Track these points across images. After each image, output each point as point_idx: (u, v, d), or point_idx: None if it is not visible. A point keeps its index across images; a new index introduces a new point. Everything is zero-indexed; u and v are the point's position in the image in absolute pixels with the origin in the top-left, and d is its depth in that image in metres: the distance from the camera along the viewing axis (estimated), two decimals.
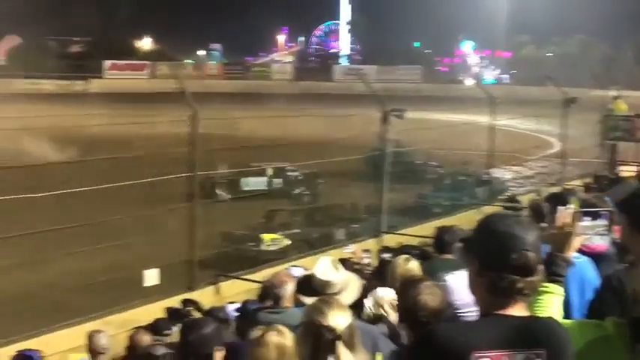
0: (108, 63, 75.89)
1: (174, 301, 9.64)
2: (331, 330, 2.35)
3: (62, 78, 69.72)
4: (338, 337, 2.36)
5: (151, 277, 10.62)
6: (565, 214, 2.67)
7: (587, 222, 2.69)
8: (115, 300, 10.62)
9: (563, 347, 2.30)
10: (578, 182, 17.20)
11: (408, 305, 3.73)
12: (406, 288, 3.84)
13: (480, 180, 21.04)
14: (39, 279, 11.19)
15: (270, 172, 19.16)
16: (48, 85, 66.20)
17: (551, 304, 2.55)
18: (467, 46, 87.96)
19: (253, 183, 17.87)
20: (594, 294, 3.34)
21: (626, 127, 21.92)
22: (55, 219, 11.55)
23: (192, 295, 10.21)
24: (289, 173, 20.46)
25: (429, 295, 3.73)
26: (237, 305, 7.47)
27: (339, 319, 2.39)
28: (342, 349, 2.36)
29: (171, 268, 11.47)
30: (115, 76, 74.23)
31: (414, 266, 5.18)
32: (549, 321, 2.43)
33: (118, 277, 11.36)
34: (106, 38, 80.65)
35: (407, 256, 5.52)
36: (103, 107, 35.59)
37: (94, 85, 69.32)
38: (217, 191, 18.56)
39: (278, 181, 19.54)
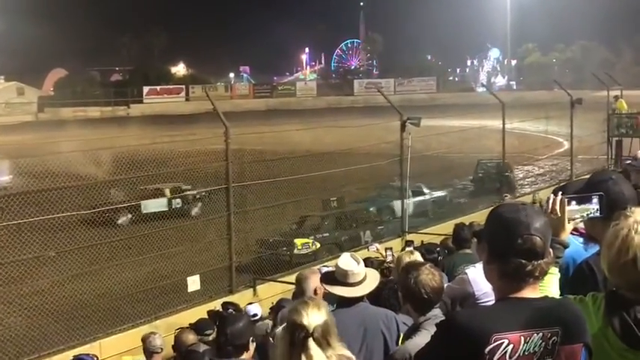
0: (146, 89, 76.58)
1: (216, 304, 9.70)
2: (303, 328, 2.36)
3: (106, 104, 70.63)
4: (309, 335, 2.36)
5: (194, 282, 10.67)
6: (554, 200, 2.70)
7: (573, 206, 2.71)
8: (162, 305, 10.70)
9: (577, 324, 2.28)
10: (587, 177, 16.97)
11: (409, 285, 3.75)
12: (407, 271, 3.87)
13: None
14: (92, 289, 11.27)
15: (167, 192, 18.33)
16: (93, 111, 67.02)
17: (550, 283, 2.54)
18: (494, 53, 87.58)
19: (153, 205, 17.01)
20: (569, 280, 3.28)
21: (629, 124, 21.77)
22: (104, 233, 11.67)
23: (232, 298, 10.27)
24: (187, 193, 19.18)
25: (428, 275, 3.76)
26: (256, 305, 7.94)
27: (313, 317, 2.39)
28: (312, 345, 2.36)
29: (213, 274, 11.53)
30: (153, 101, 74.87)
31: (417, 257, 5.22)
32: (563, 301, 2.42)
33: (164, 284, 11.43)
34: (144, 66, 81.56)
35: (411, 249, 5.57)
36: (143, 129, 36.00)
37: (135, 110, 70.05)
38: (120, 219, 17.05)
39: (177, 201, 18.79)
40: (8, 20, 66.00)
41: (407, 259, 5.04)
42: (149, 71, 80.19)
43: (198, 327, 7.04)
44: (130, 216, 17.06)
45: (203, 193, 17.83)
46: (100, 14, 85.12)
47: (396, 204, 18.45)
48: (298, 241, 15.68)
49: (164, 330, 9.01)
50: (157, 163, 14.33)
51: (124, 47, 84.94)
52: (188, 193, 18.79)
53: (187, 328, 7.12)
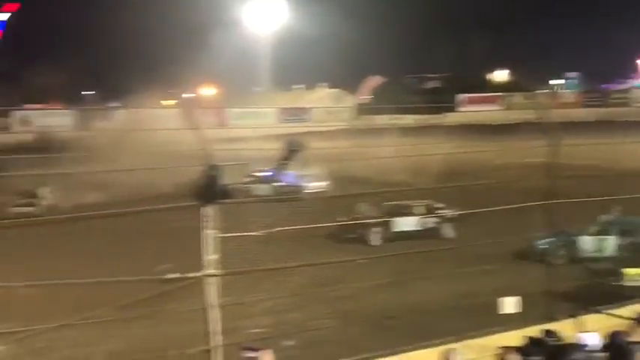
0: (461, 97, 77.39)
1: (533, 331, 9.27)
2: None
3: (419, 112, 72.81)
4: None
5: (510, 304, 10.37)
6: None
7: None
8: (471, 324, 10.54)
9: None
10: None
11: None
12: None
13: None
14: (400, 299, 11.55)
15: (421, 210, 17.60)
16: (407, 119, 69.49)
17: None
18: None
19: (404, 224, 15.97)
20: None
21: None
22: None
23: (552, 326, 9.76)
24: (440, 212, 18.57)
25: None
26: (589, 335, 7.45)
27: None
28: None
29: (528, 298, 11.09)
30: (468, 109, 75.42)
31: None
32: None
33: (475, 302, 11.29)
34: (461, 73, 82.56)
35: None
36: (456, 139, 36.28)
37: (451, 118, 71.05)
38: (370, 235, 17.07)
39: (430, 221, 17.52)
40: (332, 27, 71.48)
41: None
42: (465, 78, 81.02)
43: (524, 350, 7.05)
44: (379, 233, 17.33)
45: (456, 214, 17.47)
46: (417, 20, 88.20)
47: None
48: (630, 271, 14.50)
49: (476, 351, 8.86)
50: (470, 175, 14.32)
51: (443, 53, 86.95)
52: (442, 213, 18.53)
53: (512, 348, 7.10)
